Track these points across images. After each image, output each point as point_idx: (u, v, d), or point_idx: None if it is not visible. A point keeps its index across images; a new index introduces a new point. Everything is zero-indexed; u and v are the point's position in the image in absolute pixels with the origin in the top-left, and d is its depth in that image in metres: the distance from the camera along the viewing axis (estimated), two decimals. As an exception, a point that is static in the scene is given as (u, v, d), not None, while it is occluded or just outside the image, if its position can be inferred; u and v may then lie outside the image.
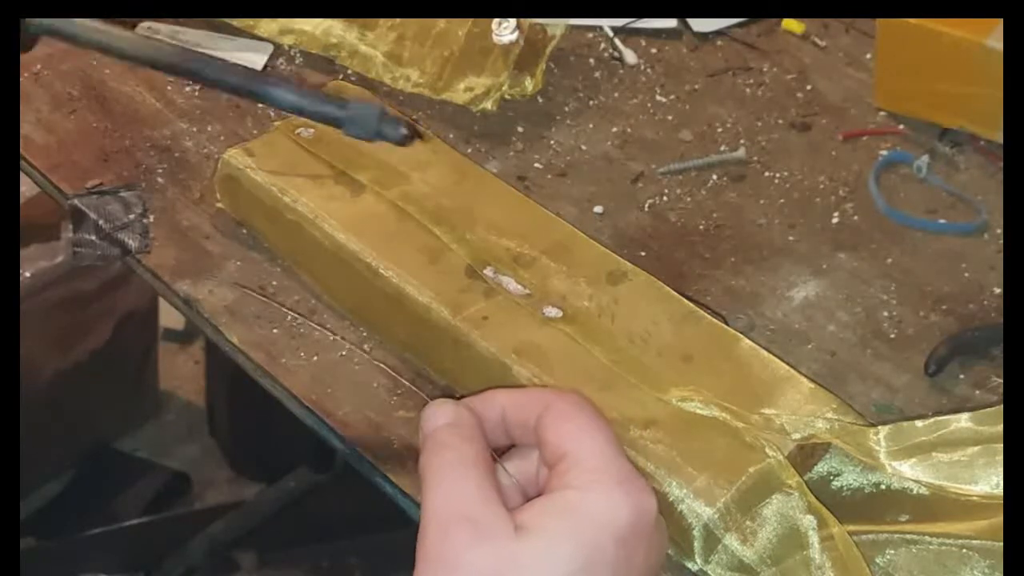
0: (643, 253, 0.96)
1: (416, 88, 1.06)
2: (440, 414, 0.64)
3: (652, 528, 0.60)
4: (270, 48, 1.10)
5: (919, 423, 0.76)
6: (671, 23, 1.16)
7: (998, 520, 0.73)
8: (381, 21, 1.07)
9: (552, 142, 1.06)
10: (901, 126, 1.08)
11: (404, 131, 0.74)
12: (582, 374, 0.79)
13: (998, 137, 1.04)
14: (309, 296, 0.92)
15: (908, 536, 0.75)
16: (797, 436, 0.75)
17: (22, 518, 1.74)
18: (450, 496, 0.59)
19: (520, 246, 0.88)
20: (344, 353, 0.88)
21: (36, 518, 1.78)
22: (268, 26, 1.09)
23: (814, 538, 0.72)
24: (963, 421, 0.75)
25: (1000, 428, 0.75)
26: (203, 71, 0.73)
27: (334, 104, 0.74)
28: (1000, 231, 0.99)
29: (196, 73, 0.74)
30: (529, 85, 1.06)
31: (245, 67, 0.75)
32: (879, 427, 0.76)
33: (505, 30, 1.04)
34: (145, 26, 1.09)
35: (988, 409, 0.76)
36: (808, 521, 0.72)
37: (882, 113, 1.09)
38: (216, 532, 1.72)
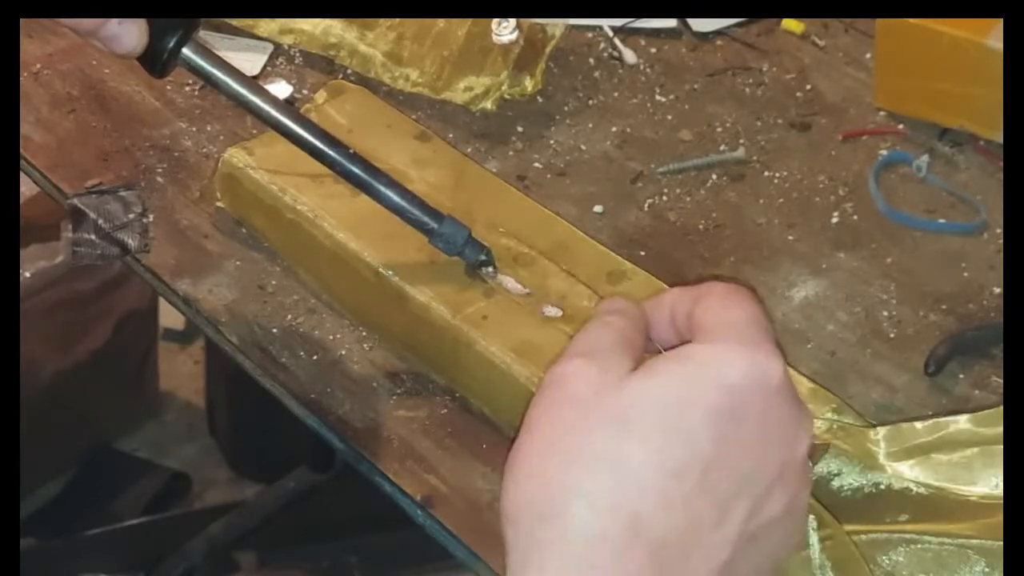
0: (643, 253, 0.96)
1: (416, 88, 1.06)
2: (612, 302, 0.63)
3: (773, 393, 0.56)
4: (270, 48, 1.10)
5: (918, 424, 0.76)
6: (671, 23, 1.16)
7: (997, 520, 0.73)
8: (381, 21, 1.07)
9: (552, 142, 1.05)
10: (901, 126, 1.08)
11: (483, 257, 0.83)
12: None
13: (998, 137, 1.04)
14: (309, 296, 0.92)
15: (908, 536, 0.75)
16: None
17: (22, 518, 1.74)
18: (579, 339, 0.60)
19: (520, 245, 0.87)
20: (344, 353, 0.88)
21: (36, 518, 1.78)
22: (268, 26, 1.09)
23: (814, 538, 0.72)
24: (962, 422, 0.75)
25: (998, 429, 0.75)
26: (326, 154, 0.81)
27: (431, 215, 0.82)
28: (1000, 231, 0.99)
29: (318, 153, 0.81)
30: (529, 85, 1.06)
31: (366, 162, 0.81)
32: (878, 428, 0.76)
33: (505, 30, 1.04)
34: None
35: (987, 411, 0.76)
36: (808, 522, 0.72)
37: (882, 113, 1.09)
38: (216, 532, 1.72)
